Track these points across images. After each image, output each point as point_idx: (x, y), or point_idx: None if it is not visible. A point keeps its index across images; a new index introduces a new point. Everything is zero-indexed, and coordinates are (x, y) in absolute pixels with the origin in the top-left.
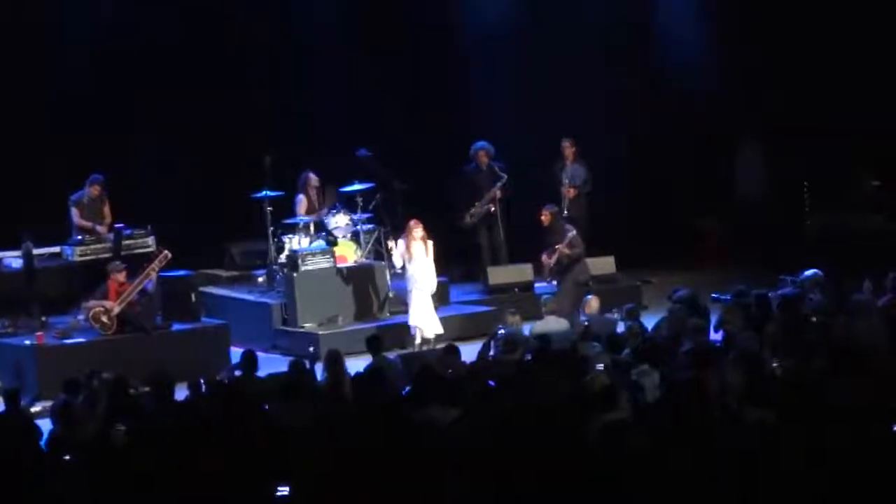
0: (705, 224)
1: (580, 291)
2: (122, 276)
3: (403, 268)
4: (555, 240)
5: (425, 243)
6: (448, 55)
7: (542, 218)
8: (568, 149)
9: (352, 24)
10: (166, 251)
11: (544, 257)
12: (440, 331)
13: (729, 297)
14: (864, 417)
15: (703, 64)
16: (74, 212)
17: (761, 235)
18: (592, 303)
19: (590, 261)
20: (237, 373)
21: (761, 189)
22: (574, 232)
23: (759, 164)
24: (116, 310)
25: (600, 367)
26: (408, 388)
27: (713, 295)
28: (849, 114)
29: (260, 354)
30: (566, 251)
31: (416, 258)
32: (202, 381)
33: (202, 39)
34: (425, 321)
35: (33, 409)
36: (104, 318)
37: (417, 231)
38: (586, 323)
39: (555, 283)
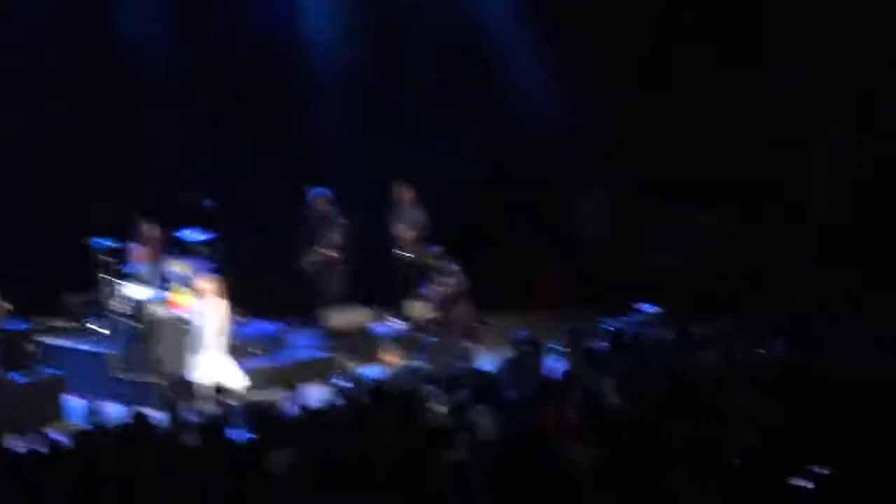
0: (543, 268)
1: (465, 327)
2: None
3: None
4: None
5: (214, 299)
6: (286, 102)
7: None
8: (405, 193)
9: (186, 70)
10: (5, 303)
11: (423, 294)
12: (243, 383)
13: (568, 339)
14: (702, 454)
15: (547, 108)
16: None
17: (600, 278)
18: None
19: (424, 302)
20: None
21: (603, 232)
22: (451, 273)
23: (601, 207)
24: None
25: (439, 408)
26: (249, 435)
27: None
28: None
29: (100, 404)
30: (441, 290)
31: (204, 314)
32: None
33: (31, 83)
34: (219, 376)
35: None
36: None
37: (205, 286)
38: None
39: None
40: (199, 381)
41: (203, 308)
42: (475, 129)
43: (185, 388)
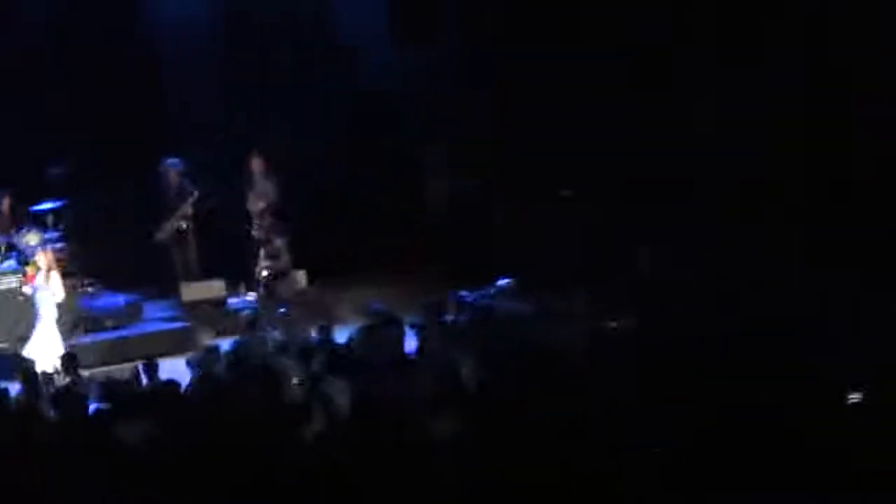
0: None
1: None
2: None
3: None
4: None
5: (48, 272)
6: (140, 67)
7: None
8: (255, 162)
9: (39, 33)
10: None
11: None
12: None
13: (423, 312)
14: (563, 427)
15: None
16: None
17: (450, 247)
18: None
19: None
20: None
21: (448, 198)
22: (276, 248)
23: (446, 173)
24: None
25: (294, 381)
26: (99, 406)
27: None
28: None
29: None
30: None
31: (40, 287)
32: None
33: None
34: (47, 352)
35: None
36: None
37: (42, 260)
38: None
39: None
40: (31, 356)
41: (40, 282)
42: (324, 93)
43: (18, 362)
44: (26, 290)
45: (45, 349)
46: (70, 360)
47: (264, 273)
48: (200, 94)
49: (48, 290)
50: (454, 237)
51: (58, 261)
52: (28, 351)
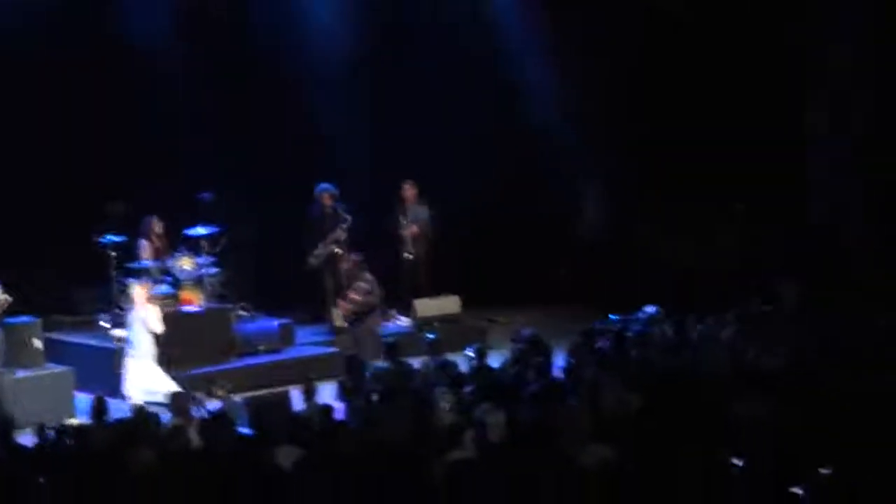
0: (554, 265)
1: (377, 339)
2: None
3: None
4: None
5: (146, 308)
6: (292, 96)
7: (345, 264)
8: (409, 191)
9: (192, 68)
10: (6, 296)
11: (341, 303)
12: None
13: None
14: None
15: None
16: None
17: (605, 275)
18: None
19: (433, 301)
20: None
21: (601, 229)
22: (366, 283)
23: (603, 203)
24: None
25: (445, 406)
26: (252, 431)
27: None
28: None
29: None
30: (358, 298)
31: (136, 324)
32: (48, 427)
33: (43, 85)
34: (143, 388)
35: None
36: None
37: (140, 295)
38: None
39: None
40: (132, 387)
41: (140, 315)
42: (482, 125)
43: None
44: (117, 332)
45: (144, 383)
46: (222, 385)
47: (415, 299)
48: (352, 121)
49: (144, 323)
50: (603, 265)
51: (211, 286)
52: (127, 387)
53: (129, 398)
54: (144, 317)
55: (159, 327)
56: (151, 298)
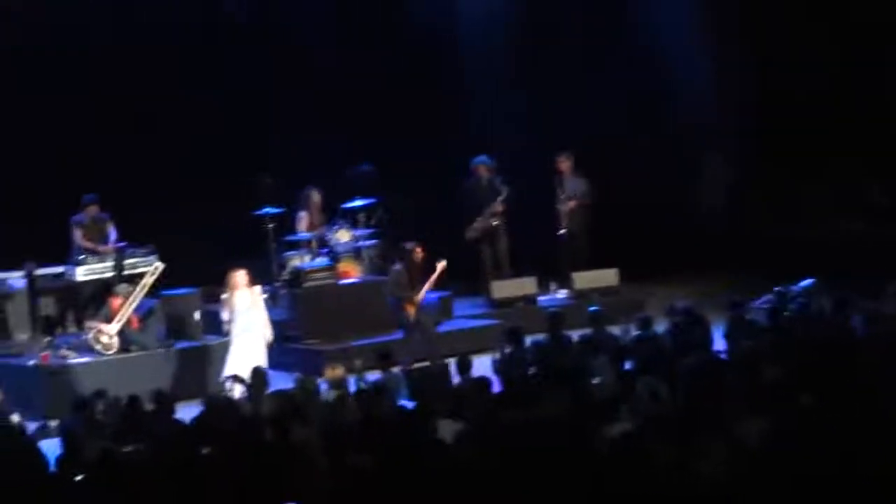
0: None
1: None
2: (123, 297)
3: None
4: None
5: (250, 290)
6: (445, 68)
7: (418, 253)
8: (563, 163)
9: (345, 41)
10: (158, 263)
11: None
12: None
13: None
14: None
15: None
16: (77, 232)
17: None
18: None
19: (591, 273)
20: (246, 390)
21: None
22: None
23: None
24: (115, 329)
25: (602, 379)
26: (413, 403)
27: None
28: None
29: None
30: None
31: (240, 309)
32: (211, 399)
33: (199, 62)
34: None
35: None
36: (104, 339)
37: (240, 279)
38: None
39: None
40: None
41: (244, 299)
42: (621, 92)
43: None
44: (224, 315)
45: (248, 362)
46: (383, 358)
47: (573, 272)
48: (504, 92)
49: (250, 312)
50: (760, 240)
51: (369, 258)
52: (231, 366)
53: (229, 381)
54: (250, 300)
55: (260, 308)
56: (249, 280)
